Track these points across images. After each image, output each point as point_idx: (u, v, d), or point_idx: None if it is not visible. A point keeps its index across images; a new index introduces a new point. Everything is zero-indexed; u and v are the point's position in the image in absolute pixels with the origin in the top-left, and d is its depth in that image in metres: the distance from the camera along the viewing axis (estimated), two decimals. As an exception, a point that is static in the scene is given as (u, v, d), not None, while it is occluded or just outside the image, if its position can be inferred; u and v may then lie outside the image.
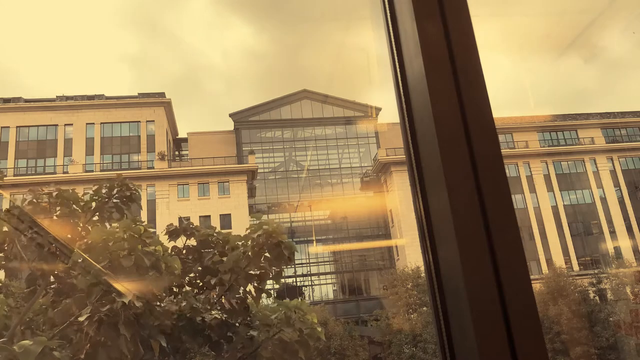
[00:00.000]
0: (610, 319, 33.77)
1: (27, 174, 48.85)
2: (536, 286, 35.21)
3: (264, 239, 10.51)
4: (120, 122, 53.07)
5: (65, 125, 52.36)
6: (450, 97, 1.74)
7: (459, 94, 1.74)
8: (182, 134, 58.49)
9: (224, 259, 10.53)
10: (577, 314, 34.00)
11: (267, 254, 10.51)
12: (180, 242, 11.79)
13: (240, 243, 10.82)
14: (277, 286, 11.96)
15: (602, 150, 53.93)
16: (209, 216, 46.51)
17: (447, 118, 1.71)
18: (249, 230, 10.80)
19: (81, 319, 8.32)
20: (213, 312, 10.28)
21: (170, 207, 47.17)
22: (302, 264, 52.31)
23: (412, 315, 36.64)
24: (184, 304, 9.98)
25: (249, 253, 10.44)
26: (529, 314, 1.55)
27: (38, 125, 52.04)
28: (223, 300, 10.69)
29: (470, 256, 1.57)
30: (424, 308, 35.94)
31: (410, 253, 44.25)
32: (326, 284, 53.05)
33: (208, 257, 10.87)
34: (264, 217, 11.95)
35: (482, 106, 1.74)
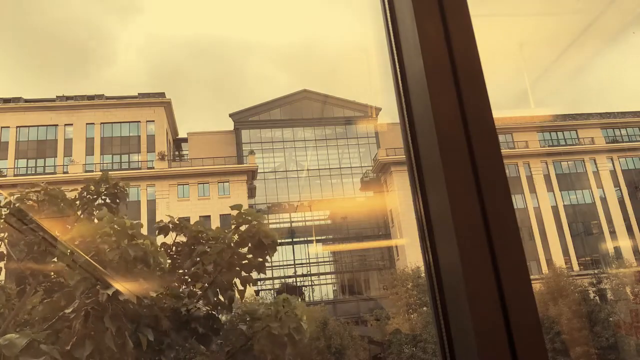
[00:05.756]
0: (610, 319, 33.75)
1: (27, 174, 48.83)
2: (536, 286, 35.19)
3: (244, 228, 10.45)
4: (120, 122, 53.07)
5: (65, 125, 52.34)
6: (450, 97, 1.74)
7: (459, 94, 1.74)
8: (182, 134, 58.54)
9: (208, 249, 10.52)
10: (577, 314, 33.97)
11: (249, 245, 10.45)
12: (170, 238, 11.74)
13: (223, 235, 10.77)
14: (263, 275, 11.84)
15: (602, 150, 53.91)
16: (209, 216, 46.45)
17: (447, 118, 1.71)
18: (232, 222, 10.75)
19: (68, 312, 8.31)
20: (198, 305, 10.23)
21: (170, 207, 47.10)
22: (302, 264, 52.31)
23: (412, 315, 36.64)
24: (172, 300, 9.96)
25: (232, 244, 10.40)
26: (529, 314, 1.55)
27: (38, 125, 52.01)
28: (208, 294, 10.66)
29: (470, 256, 1.57)
30: (424, 308, 35.95)
31: (410, 253, 44.22)
32: (326, 284, 53.02)
33: (196, 252, 10.86)
34: (255, 212, 11.82)
35: (482, 106, 1.74)
